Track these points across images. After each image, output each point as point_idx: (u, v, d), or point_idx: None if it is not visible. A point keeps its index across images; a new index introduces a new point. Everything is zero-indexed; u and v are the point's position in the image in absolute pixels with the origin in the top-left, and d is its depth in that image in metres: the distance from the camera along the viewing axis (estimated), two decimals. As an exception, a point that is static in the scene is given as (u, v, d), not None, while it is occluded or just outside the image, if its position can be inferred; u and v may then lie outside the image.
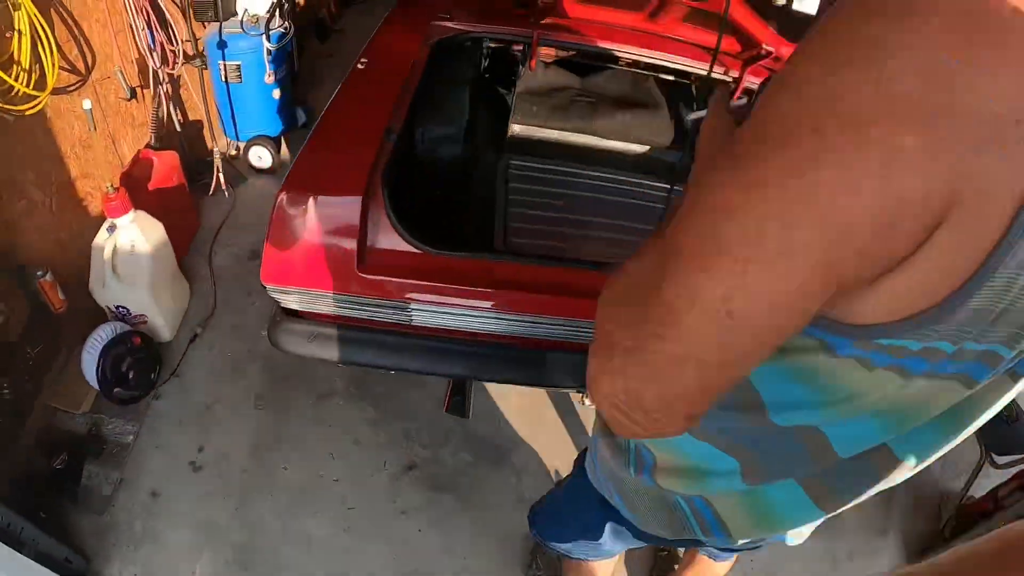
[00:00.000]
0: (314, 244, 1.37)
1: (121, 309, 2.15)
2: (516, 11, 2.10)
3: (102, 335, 2.00)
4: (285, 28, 3.11)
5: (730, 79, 2.34)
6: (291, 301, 1.45)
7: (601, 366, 0.55)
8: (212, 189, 2.98)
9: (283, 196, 1.34)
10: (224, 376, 2.34)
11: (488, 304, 1.49)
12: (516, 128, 2.69)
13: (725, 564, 1.56)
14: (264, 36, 2.93)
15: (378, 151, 1.52)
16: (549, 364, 1.62)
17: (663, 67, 2.40)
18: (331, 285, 1.40)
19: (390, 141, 1.57)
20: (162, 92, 2.62)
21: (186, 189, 2.69)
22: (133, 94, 2.46)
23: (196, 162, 3.03)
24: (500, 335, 1.56)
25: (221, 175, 2.98)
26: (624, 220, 2.45)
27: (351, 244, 1.38)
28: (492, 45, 2.24)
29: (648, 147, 2.86)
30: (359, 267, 1.39)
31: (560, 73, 2.86)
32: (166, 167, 2.58)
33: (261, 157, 3.21)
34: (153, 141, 2.62)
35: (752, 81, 2.31)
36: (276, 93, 3.14)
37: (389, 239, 1.43)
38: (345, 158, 1.49)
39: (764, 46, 2.06)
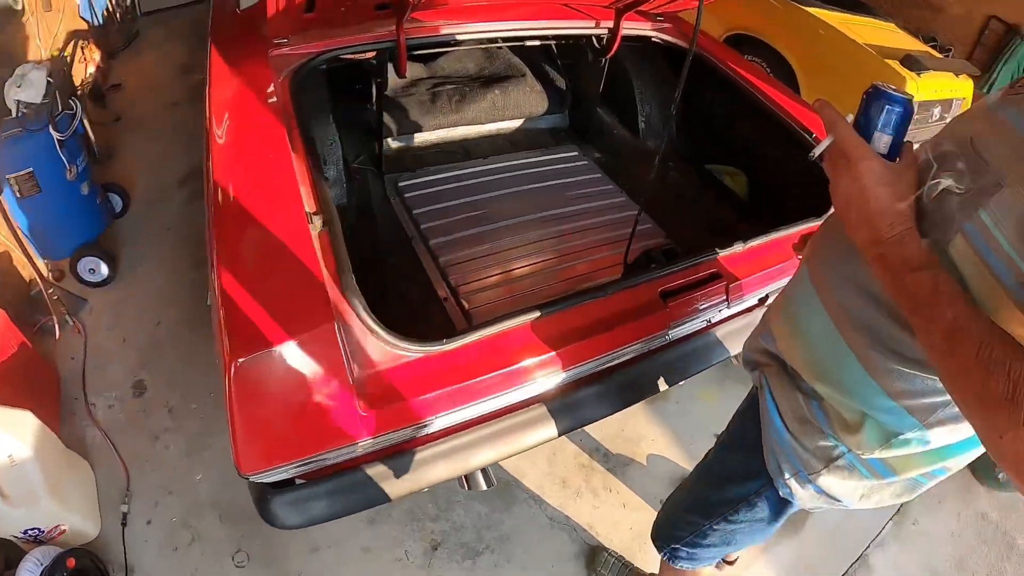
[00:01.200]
0: (295, 405, 1.07)
1: (32, 531, 1.69)
2: (374, 14, 1.78)
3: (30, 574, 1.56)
4: (71, 108, 2.55)
5: (605, 31, 2.21)
6: (282, 475, 1.14)
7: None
8: (57, 333, 2.41)
9: (233, 368, 1.02)
10: (183, 548, 1.93)
11: (528, 373, 1.29)
12: (392, 144, 2.42)
13: None
14: (50, 127, 2.39)
15: (317, 251, 1.22)
16: (584, 402, 1.45)
17: (535, 36, 2.20)
18: (333, 440, 1.11)
19: (324, 230, 1.27)
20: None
21: (29, 347, 2.14)
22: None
23: (23, 306, 2.44)
24: (535, 397, 1.36)
25: (56, 310, 2.41)
26: (544, 202, 2.31)
27: (341, 383, 1.10)
28: (350, 58, 1.91)
29: (523, 119, 2.72)
30: (361, 405, 1.12)
31: (415, 67, 2.60)
32: (-3, 333, 2.03)
33: (93, 269, 2.66)
34: (-38, 311, 2.05)
35: (634, 29, 2.21)
36: (84, 188, 2.61)
37: (382, 355, 1.16)
38: (282, 278, 1.16)
39: (640, -9, 1.92)
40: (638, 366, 1.54)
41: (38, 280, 2.40)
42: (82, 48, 3.91)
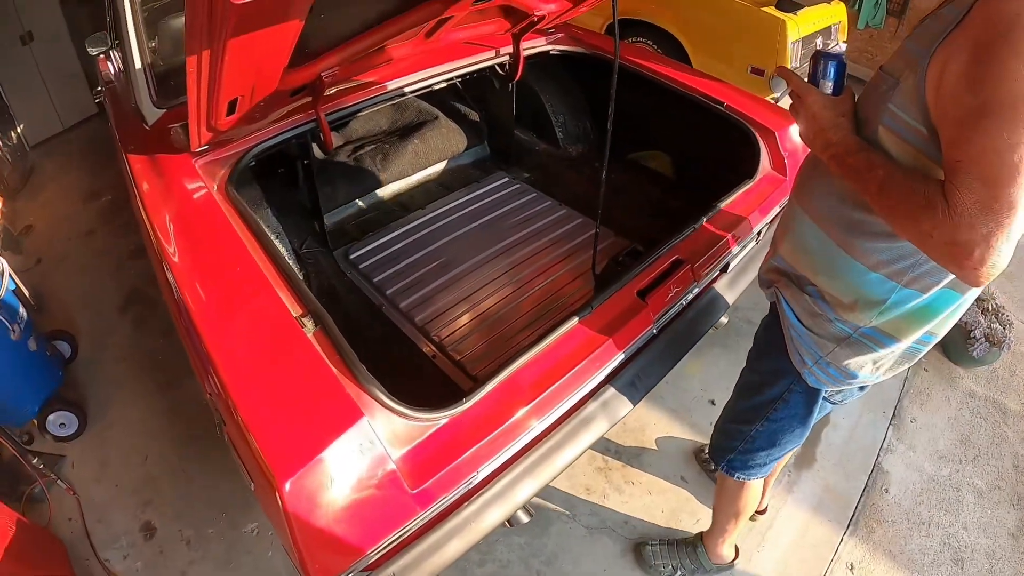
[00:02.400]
0: (350, 505, 1.08)
1: None
2: (289, 100, 1.79)
3: None
4: (-1, 267, 2.44)
5: (506, 58, 2.29)
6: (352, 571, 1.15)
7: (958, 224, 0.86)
8: (49, 499, 2.30)
9: (286, 489, 1.02)
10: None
11: (547, 401, 1.34)
12: (329, 219, 2.43)
13: None
14: None
15: (319, 351, 1.23)
16: (602, 409, 1.52)
17: (443, 80, 2.25)
18: (391, 525, 1.13)
19: (318, 329, 1.28)
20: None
21: (26, 522, 2.04)
22: None
23: (1, 479, 2.32)
24: (557, 421, 1.42)
25: (39, 475, 2.30)
26: (494, 235, 2.36)
27: (386, 471, 1.12)
28: (274, 145, 1.91)
29: (447, 160, 2.77)
30: (409, 484, 1.14)
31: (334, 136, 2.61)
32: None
33: (64, 424, 2.56)
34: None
35: (532, 47, 2.29)
36: (32, 343, 2.50)
37: (414, 430, 1.18)
38: (296, 388, 1.17)
39: (535, 13, 2.00)
40: (637, 361, 1.61)
41: (10, 449, 2.29)
42: (-20, 197, 3.75)
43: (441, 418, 1.22)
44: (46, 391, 2.54)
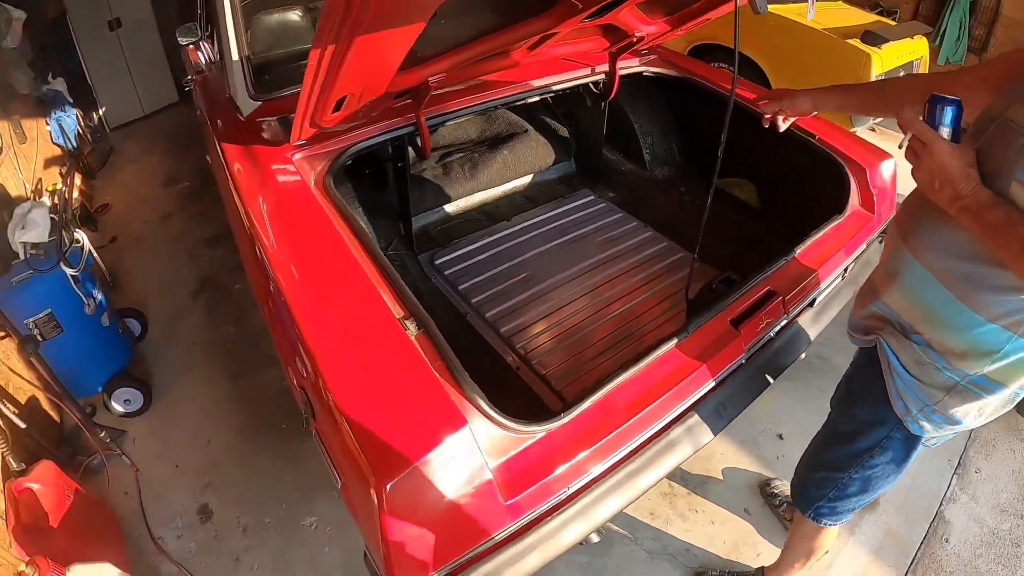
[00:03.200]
0: (445, 512, 1.06)
1: None
2: (394, 102, 1.81)
3: None
4: (78, 241, 2.52)
5: (602, 76, 2.28)
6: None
7: None
8: (108, 471, 2.35)
9: (385, 492, 1.01)
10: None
11: (638, 423, 1.31)
12: (416, 222, 2.45)
13: None
14: (61, 263, 2.35)
15: (422, 354, 1.23)
16: (687, 434, 1.48)
17: (538, 94, 2.25)
18: (481, 535, 1.11)
19: (420, 333, 1.28)
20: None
21: (84, 493, 2.09)
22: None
23: (61, 448, 2.39)
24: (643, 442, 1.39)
25: (101, 447, 2.35)
26: (581, 252, 2.34)
27: (483, 481, 1.11)
28: (372, 146, 1.93)
29: (533, 174, 2.77)
30: (502, 496, 1.12)
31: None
32: (52, 486, 1.97)
33: (129, 400, 2.61)
34: (15, 466, 1.99)
35: (626, 68, 2.27)
36: (105, 319, 2.57)
37: (511, 442, 1.16)
38: (398, 390, 1.17)
39: (635, 34, 1.98)
40: (724, 389, 1.58)
41: (77, 420, 2.34)
42: (62, 174, 3.90)
43: (539, 432, 1.19)
44: (115, 367, 2.60)
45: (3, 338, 2.25)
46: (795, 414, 2.48)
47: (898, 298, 1.25)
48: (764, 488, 2.32)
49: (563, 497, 1.23)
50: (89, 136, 4.49)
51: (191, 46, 3.43)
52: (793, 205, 2.20)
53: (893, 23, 4.40)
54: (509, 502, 1.13)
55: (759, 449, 2.46)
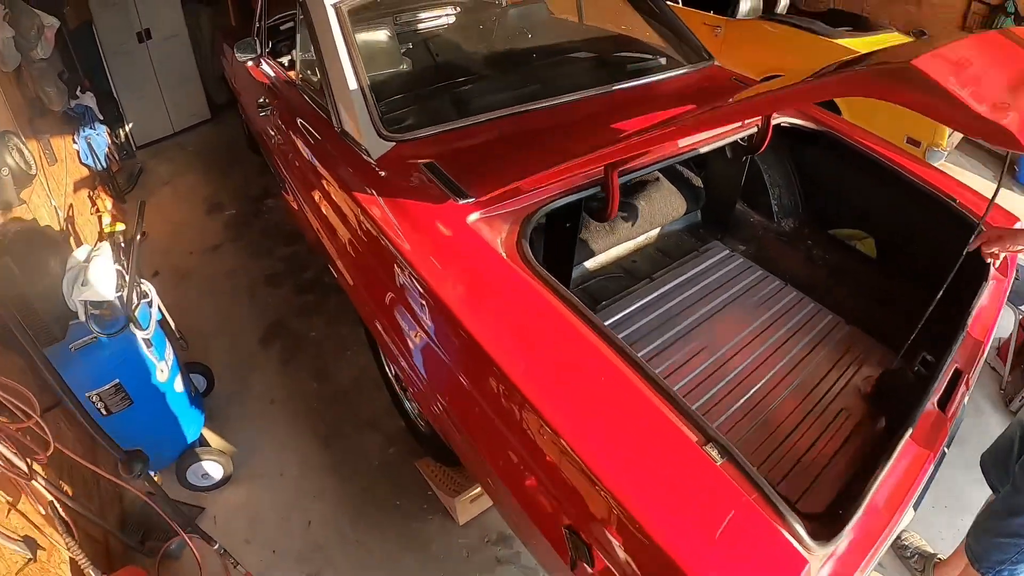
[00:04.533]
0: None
1: None
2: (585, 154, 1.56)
3: None
4: (146, 295, 2.13)
5: (754, 130, 2.07)
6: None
7: None
8: (197, 561, 2.00)
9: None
10: None
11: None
12: (588, 265, 2.40)
13: None
14: (131, 325, 1.97)
15: (736, 486, 1.00)
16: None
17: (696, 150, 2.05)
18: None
19: (724, 459, 1.03)
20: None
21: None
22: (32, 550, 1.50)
23: (127, 532, 2.07)
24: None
25: (179, 529, 1.98)
26: (739, 316, 2.14)
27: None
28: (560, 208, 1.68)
29: (662, 225, 2.57)
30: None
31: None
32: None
33: (206, 473, 2.27)
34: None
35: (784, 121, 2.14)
36: (178, 384, 2.21)
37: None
38: (733, 536, 0.94)
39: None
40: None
41: (147, 500, 1.97)
42: (91, 197, 3.55)
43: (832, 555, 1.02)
44: (189, 437, 2.25)
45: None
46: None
47: None
48: (895, 541, 2.19)
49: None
50: (115, 154, 4.13)
51: (250, 63, 3.12)
52: (920, 264, 2.05)
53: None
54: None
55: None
